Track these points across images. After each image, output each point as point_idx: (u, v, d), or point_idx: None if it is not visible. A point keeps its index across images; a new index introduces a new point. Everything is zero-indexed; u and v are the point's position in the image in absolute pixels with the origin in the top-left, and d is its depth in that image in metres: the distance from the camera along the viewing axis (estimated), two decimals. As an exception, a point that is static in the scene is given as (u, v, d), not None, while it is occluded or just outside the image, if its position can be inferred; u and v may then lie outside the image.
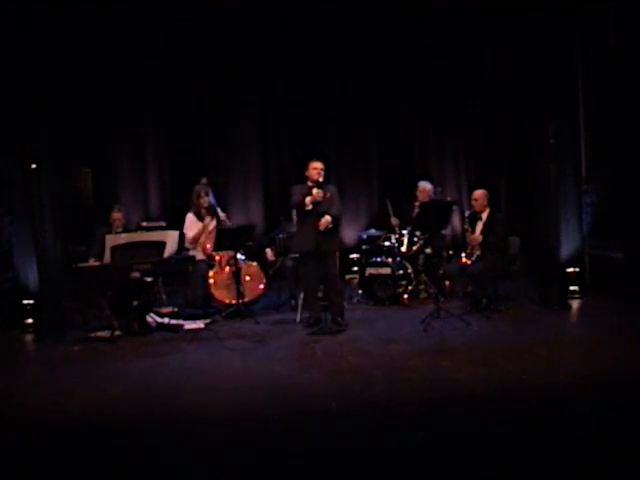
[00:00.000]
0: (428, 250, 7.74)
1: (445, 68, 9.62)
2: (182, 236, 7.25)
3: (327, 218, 6.40)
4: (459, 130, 9.98)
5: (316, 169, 6.57)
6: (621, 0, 6.82)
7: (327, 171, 6.69)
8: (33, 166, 6.63)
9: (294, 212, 6.96)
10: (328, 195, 6.50)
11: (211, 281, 7.33)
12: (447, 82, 9.69)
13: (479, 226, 7.08)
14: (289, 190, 6.76)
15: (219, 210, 7.66)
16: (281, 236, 7.67)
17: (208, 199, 7.49)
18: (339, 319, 6.54)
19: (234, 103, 9.83)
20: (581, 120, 7.66)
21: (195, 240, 7.37)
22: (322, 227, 6.37)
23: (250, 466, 3.52)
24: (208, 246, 7.26)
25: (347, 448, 3.66)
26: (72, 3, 7.63)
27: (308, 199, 6.42)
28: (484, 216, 7.09)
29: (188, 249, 7.32)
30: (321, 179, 6.56)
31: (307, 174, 6.63)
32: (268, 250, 7.80)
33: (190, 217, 7.46)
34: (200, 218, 7.46)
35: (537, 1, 7.22)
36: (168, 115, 9.80)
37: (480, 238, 6.94)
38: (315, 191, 6.44)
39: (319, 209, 6.44)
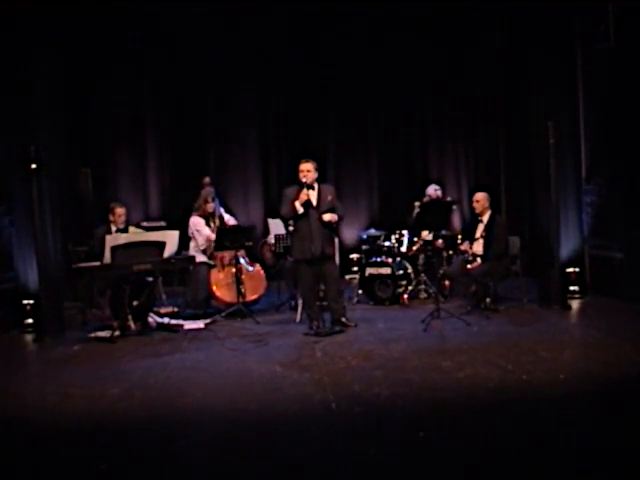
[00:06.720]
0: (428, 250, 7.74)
1: (445, 68, 9.62)
2: (186, 238, 7.27)
3: (333, 215, 6.31)
4: (459, 130, 9.98)
5: (301, 172, 6.30)
6: (621, 0, 6.81)
7: (325, 171, 6.56)
8: (33, 166, 6.63)
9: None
10: (330, 198, 6.39)
11: (213, 280, 7.33)
12: (447, 82, 9.69)
13: (480, 229, 7.07)
14: (282, 193, 6.53)
15: (223, 212, 7.68)
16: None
17: (214, 205, 7.49)
18: (343, 319, 6.51)
19: (234, 103, 9.82)
20: (581, 120, 7.66)
21: (209, 240, 7.35)
22: (326, 219, 6.27)
23: (250, 466, 3.52)
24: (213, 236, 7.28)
25: (347, 448, 3.65)
26: (73, 3, 7.64)
27: (297, 203, 6.23)
28: (485, 219, 7.08)
29: (188, 250, 7.34)
30: (307, 180, 6.26)
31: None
32: (267, 246, 7.77)
33: (199, 220, 7.43)
34: (207, 221, 7.46)
35: (537, 1, 7.22)
36: (168, 115, 9.81)
37: (478, 263, 6.92)
38: (303, 192, 6.26)
39: (321, 209, 6.32)
